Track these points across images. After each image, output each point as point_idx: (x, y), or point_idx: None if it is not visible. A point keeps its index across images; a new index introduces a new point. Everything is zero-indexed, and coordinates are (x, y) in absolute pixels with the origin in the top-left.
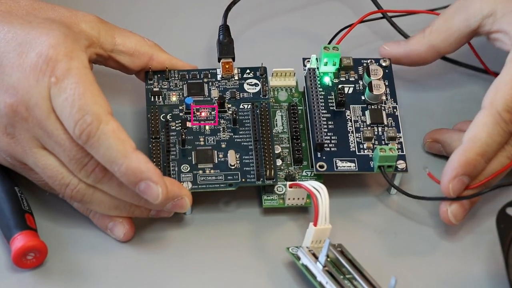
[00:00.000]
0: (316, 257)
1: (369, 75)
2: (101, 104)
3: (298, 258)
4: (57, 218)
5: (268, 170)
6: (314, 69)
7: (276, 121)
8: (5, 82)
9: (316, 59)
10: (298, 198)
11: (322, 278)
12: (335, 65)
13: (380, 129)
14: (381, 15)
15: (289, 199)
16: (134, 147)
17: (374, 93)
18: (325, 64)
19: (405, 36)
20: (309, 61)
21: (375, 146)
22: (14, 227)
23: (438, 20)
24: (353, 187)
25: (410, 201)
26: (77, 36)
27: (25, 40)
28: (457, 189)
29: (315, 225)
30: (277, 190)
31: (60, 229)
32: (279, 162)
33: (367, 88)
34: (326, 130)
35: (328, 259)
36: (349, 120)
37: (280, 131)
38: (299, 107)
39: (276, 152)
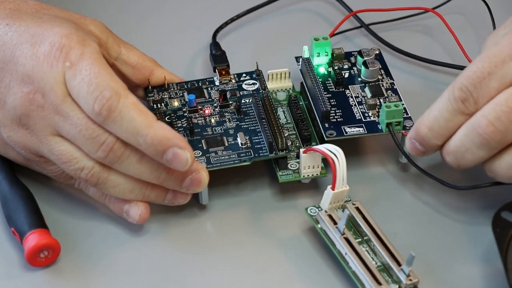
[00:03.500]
0: (334, 221)
1: (362, 56)
2: (117, 80)
3: (317, 222)
4: (67, 216)
5: (279, 141)
6: (308, 58)
7: (278, 116)
8: (19, 72)
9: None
10: (313, 167)
11: (342, 248)
12: (327, 55)
13: (382, 100)
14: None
15: (304, 168)
16: (155, 118)
17: (370, 68)
18: (318, 55)
19: (383, 41)
20: (301, 57)
21: (379, 112)
22: (26, 226)
23: None
24: (364, 156)
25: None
26: (88, 33)
27: (38, 32)
28: (411, 149)
29: (333, 189)
30: (291, 166)
31: (71, 227)
32: (288, 143)
33: (362, 67)
34: (329, 105)
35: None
36: (350, 96)
37: (284, 123)
38: (299, 102)
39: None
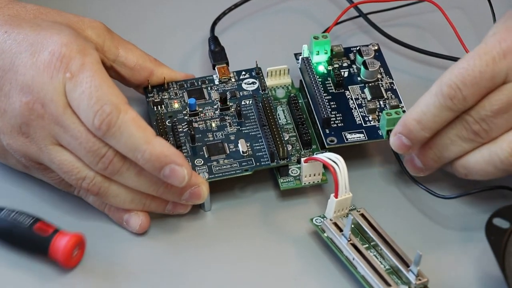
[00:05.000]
0: (340, 228)
1: (361, 56)
2: (118, 94)
3: (323, 231)
4: (68, 218)
5: (280, 150)
6: (307, 58)
7: (278, 115)
8: (19, 81)
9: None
10: (314, 174)
11: (349, 254)
12: (326, 53)
13: (381, 102)
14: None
15: (305, 176)
16: (154, 133)
17: (370, 69)
18: (317, 54)
19: (382, 32)
20: (300, 54)
21: (380, 116)
22: (46, 237)
23: None
24: (363, 161)
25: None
26: (86, 40)
27: (37, 40)
28: (396, 145)
29: (336, 197)
30: (292, 172)
31: (71, 228)
32: (289, 147)
33: (361, 67)
34: (330, 109)
35: (352, 225)
36: (350, 98)
37: (284, 123)
38: (299, 100)
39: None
